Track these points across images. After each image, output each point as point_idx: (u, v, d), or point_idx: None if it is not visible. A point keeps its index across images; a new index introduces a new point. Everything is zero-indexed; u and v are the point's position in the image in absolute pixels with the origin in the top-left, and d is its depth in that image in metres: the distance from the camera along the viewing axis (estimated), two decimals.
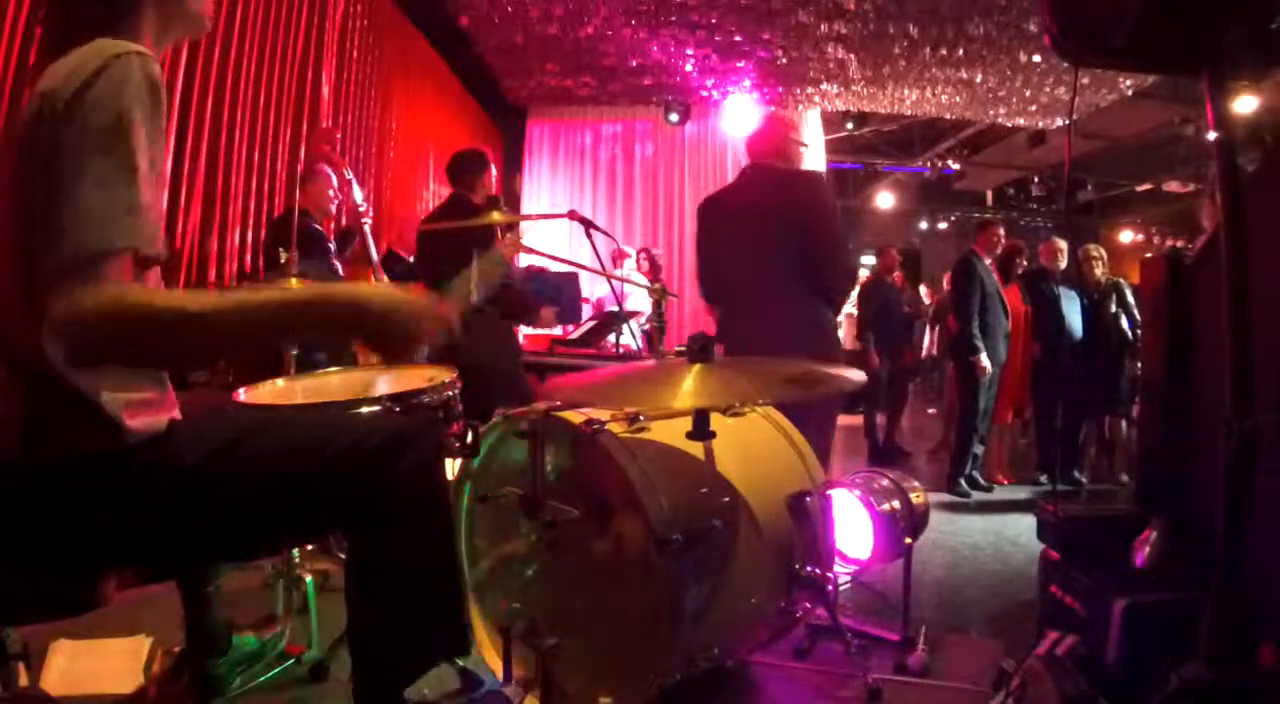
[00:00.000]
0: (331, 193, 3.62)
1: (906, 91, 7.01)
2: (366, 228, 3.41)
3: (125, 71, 1.00)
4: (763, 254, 2.69)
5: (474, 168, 3.42)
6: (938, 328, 8.05)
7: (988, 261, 4.73)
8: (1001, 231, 4.91)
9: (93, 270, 0.94)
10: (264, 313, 1.02)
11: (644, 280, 5.69)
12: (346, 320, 1.06)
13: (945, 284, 7.65)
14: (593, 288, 6.26)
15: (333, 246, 3.58)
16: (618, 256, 5.97)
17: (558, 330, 5.39)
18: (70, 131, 0.97)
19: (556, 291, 4.85)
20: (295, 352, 2.47)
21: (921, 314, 8.66)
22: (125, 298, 0.95)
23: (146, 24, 1.15)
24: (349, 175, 3.38)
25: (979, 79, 6.51)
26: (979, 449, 4.78)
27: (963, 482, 4.69)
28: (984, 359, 4.51)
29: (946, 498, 4.55)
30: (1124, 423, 4.95)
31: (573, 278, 5.10)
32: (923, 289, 8.71)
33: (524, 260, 6.40)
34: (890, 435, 5.99)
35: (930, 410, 8.56)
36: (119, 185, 0.97)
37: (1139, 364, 4.37)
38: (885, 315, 5.90)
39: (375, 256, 3.47)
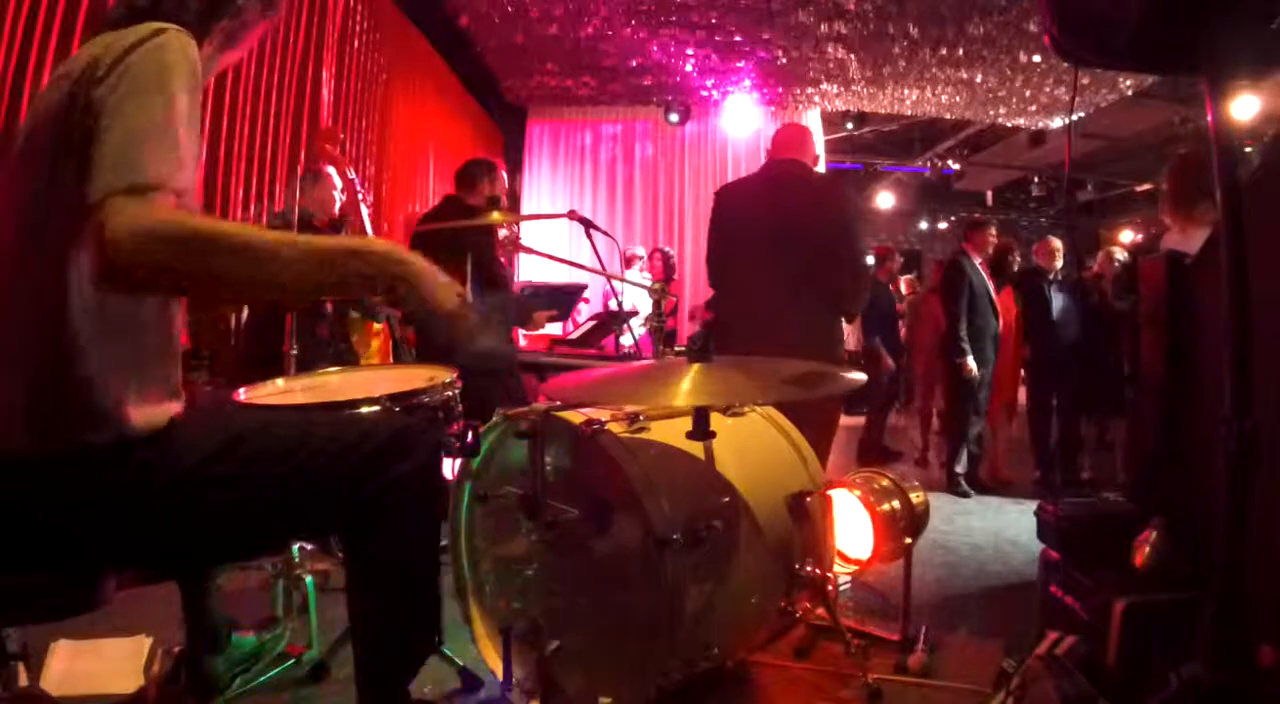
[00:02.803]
0: (336, 195, 3.61)
1: (906, 91, 7.01)
2: (365, 217, 3.37)
3: (167, 42, 1.04)
4: (782, 255, 2.63)
5: (478, 172, 3.45)
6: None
7: (978, 261, 4.72)
8: (993, 231, 4.89)
9: (144, 194, 0.96)
10: (306, 249, 1.04)
11: (643, 280, 5.69)
12: (383, 268, 1.08)
13: (904, 287, 7.58)
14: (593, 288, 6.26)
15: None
16: (627, 259, 5.95)
17: (557, 330, 5.39)
18: (114, 87, 0.99)
19: (557, 300, 4.82)
20: (295, 352, 2.46)
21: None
22: (176, 215, 0.97)
23: (211, 38, 1.20)
24: (352, 175, 3.36)
25: (979, 79, 6.50)
26: (975, 449, 4.78)
27: (962, 481, 4.70)
28: (970, 361, 4.50)
29: (946, 498, 4.55)
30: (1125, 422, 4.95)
31: (578, 289, 5.09)
32: (902, 283, 8.54)
33: (523, 261, 6.43)
34: (878, 436, 5.95)
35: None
36: (166, 130, 1.00)
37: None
38: (883, 317, 5.89)
39: None
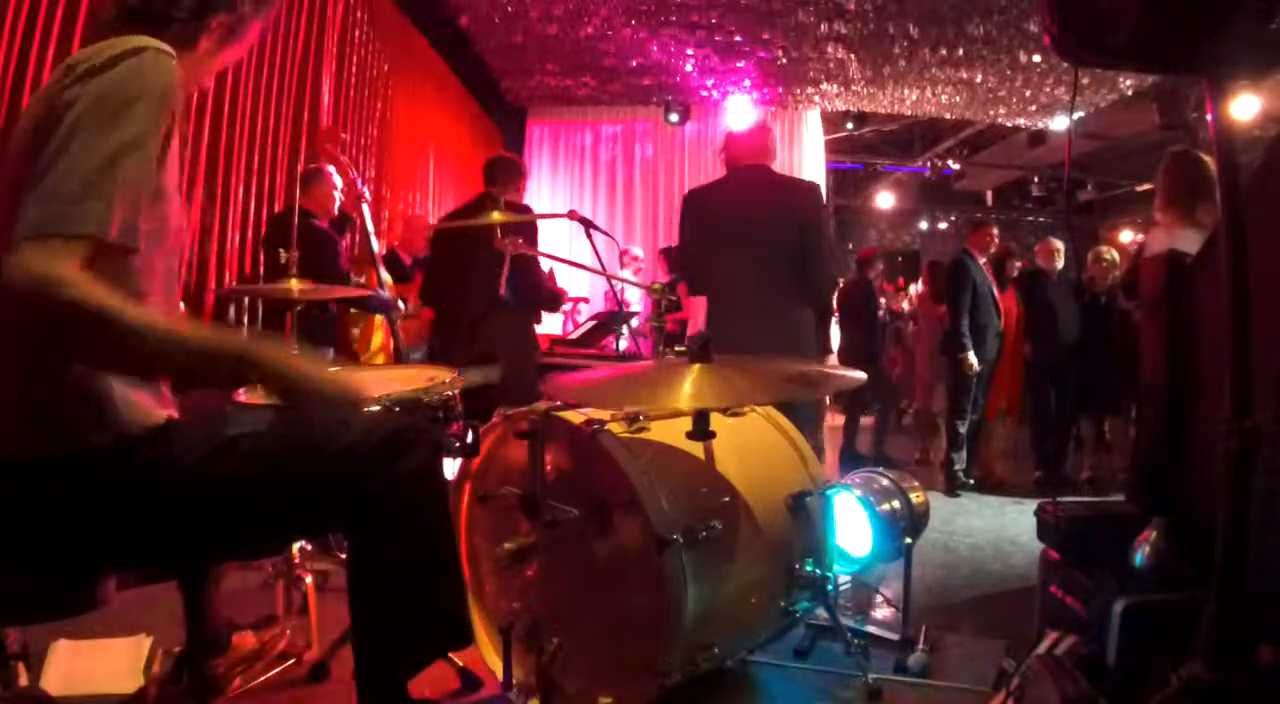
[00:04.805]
0: (337, 195, 3.61)
1: (906, 91, 7.00)
2: (366, 214, 3.36)
3: (144, 63, 1.03)
4: (761, 257, 2.73)
5: (511, 169, 3.50)
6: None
7: (982, 261, 4.75)
8: (995, 231, 4.94)
9: (68, 247, 0.93)
10: (184, 348, 1.02)
11: (636, 281, 5.68)
12: (241, 371, 1.09)
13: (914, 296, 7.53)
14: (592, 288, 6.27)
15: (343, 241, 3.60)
16: (626, 259, 5.94)
17: (557, 330, 5.40)
18: (74, 108, 0.98)
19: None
20: (296, 351, 2.46)
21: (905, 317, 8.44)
22: (87, 288, 0.93)
23: (209, 33, 1.20)
24: (354, 174, 3.36)
25: (979, 79, 6.50)
26: (967, 447, 4.78)
27: (961, 475, 4.71)
28: (971, 356, 4.53)
29: (946, 498, 4.55)
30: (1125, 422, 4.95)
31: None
32: (913, 290, 8.45)
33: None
34: (879, 442, 5.88)
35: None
36: (109, 172, 0.97)
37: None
38: (871, 320, 5.83)
39: (375, 246, 3.44)
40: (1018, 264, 5.25)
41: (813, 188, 2.89)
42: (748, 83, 7.10)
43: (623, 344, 4.24)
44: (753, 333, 2.63)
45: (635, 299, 5.62)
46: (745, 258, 2.74)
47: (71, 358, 1.04)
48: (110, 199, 0.97)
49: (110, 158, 0.98)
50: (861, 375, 1.68)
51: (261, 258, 3.69)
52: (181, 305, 1.40)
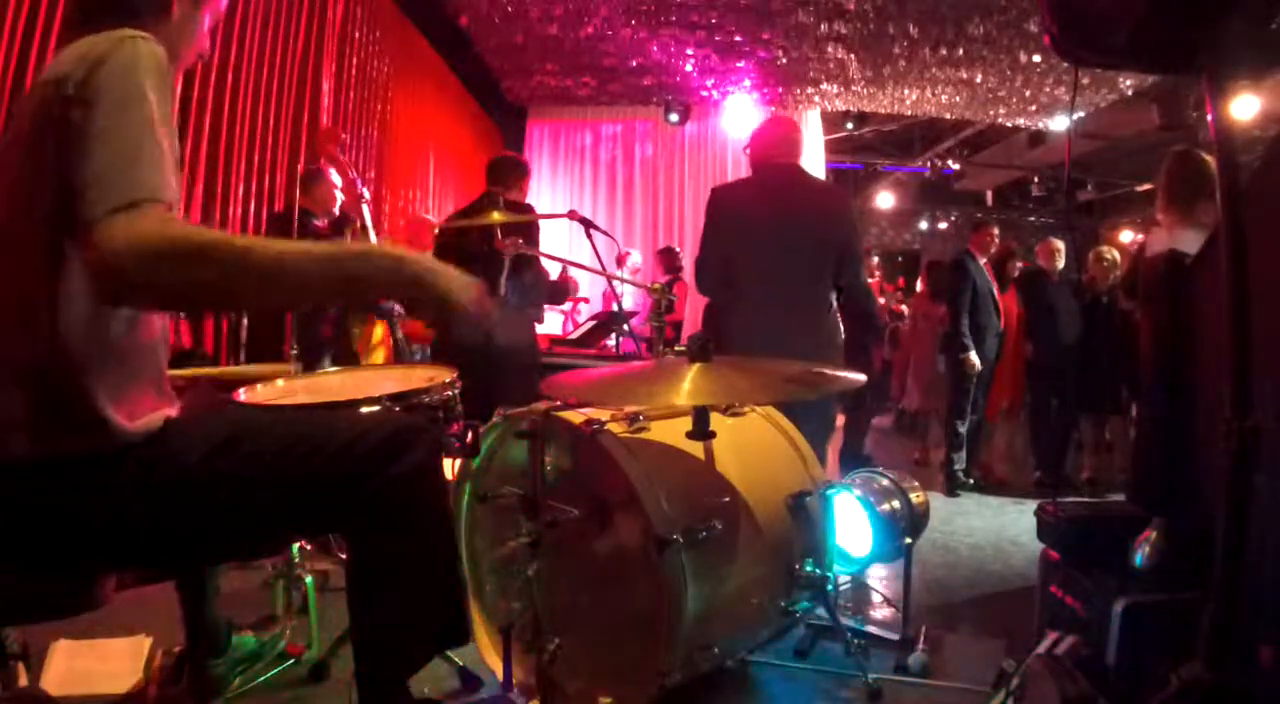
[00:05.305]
0: (338, 193, 3.61)
1: (906, 91, 7.01)
2: (366, 214, 3.36)
3: (134, 51, 1.03)
4: (791, 259, 2.67)
5: (516, 169, 3.50)
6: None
7: (983, 261, 4.75)
8: (996, 232, 4.95)
9: (138, 208, 0.94)
10: (314, 257, 1.03)
11: (636, 280, 5.69)
12: (397, 273, 1.07)
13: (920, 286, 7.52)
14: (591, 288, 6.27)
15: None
16: (621, 258, 5.95)
17: (557, 330, 5.40)
18: (88, 108, 0.98)
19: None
20: (295, 351, 2.46)
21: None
22: (176, 229, 0.95)
23: (168, 30, 1.18)
24: (354, 174, 3.36)
25: (979, 79, 6.50)
26: (967, 447, 4.78)
27: (961, 474, 4.71)
28: (973, 356, 4.53)
29: (946, 498, 4.55)
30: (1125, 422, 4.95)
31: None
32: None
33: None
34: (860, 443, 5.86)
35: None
36: (150, 141, 0.99)
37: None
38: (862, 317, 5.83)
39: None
40: (1018, 264, 5.24)
41: (844, 193, 2.87)
42: (748, 83, 7.10)
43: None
44: (782, 334, 2.57)
45: (629, 304, 5.63)
46: (776, 259, 2.67)
47: (206, 304, 1.04)
48: (164, 164, 0.99)
49: (149, 130, 0.99)
50: (862, 376, 1.68)
51: None
52: None
